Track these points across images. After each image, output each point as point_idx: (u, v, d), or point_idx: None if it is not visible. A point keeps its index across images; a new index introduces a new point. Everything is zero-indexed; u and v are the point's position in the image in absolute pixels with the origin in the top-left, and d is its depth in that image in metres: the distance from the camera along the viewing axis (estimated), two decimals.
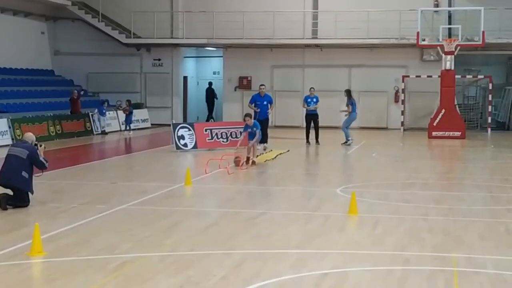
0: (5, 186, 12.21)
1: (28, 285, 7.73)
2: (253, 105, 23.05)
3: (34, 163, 12.34)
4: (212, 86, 38.41)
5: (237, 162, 17.88)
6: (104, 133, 29.76)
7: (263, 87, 23.54)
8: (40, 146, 12.64)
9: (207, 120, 35.71)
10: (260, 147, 21.53)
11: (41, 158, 12.43)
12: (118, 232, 10.34)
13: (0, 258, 8.73)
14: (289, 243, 9.78)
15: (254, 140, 18.53)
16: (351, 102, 25.23)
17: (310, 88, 25.68)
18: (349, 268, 8.39)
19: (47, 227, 10.34)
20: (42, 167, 12.51)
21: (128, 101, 31.81)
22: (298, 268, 8.36)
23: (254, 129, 18.84)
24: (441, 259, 8.90)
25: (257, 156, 19.12)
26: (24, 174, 12.12)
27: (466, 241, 9.95)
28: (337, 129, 31.88)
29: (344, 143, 24.69)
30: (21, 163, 12.15)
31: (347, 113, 25.10)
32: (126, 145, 27.01)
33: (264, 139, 22.39)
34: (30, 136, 12.77)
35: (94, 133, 29.72)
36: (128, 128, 30.77)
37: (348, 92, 25.60)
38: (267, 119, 23.29)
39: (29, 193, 12.26)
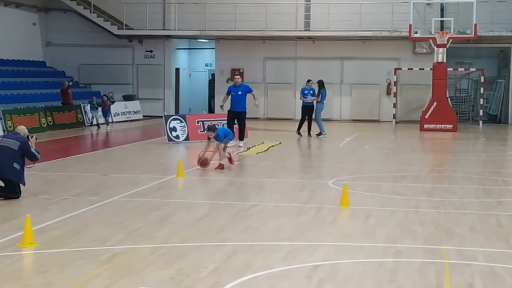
0: None
1: (19, 276, 7.71)
2: (227, 96, 21.45)
3: (25, 154, 12.31)
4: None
5: (202, 162, 16.14)
6: (98, 126, 29.03)
7: (237, 77, 22.06)
8: (32, 137, 12.60)
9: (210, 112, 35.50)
10: (233, 143, 19.54)
11: (32, 150, 12.39)
12: (109, 224, 10.32)
13: None
14: (281, 235, 9.78)
15: (221, 142, 16.33)
16: (324, 92, 25.32)
17: (309, 81, 25.67)
18: (340, 260, 8.40)
19: (38, 218, 10.32)
20: (33, 158, 12.48)
21: (111, 94, 31.16)
22: (289, 260, 8.36)
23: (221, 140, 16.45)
24: (432, 252, 8.92)
25: (229, 157, 16.65)
26: (16, 165, 12.07)
27: (457, 234, 9.98)
28: (330, 121, 31.92)
29: (319, 134, 24.74)
30: (12, 154, 12.10)
31: (313, 101, 25.01)
32: (118, 137, 26.96)
33: (240, 136, 21.18)
34: (22, 129, 12.73)
35: (86, 124, 29.64)
36: (106, 122, 29.10)
37: (322, 83, 25.59)
38: (244, 112, 21.30)
39: (21, 185, 12.23)
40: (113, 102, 30.48)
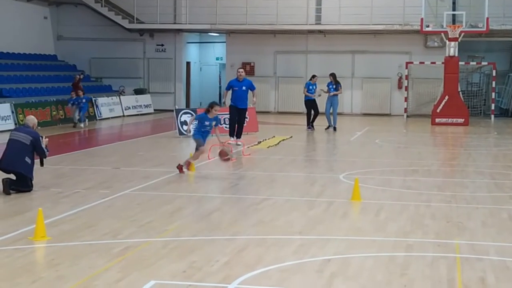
0: (8, 171, 12.22)
1: (31, 269, 7.75)
2: (228, 91, 20.53)
3: (36, 149, 12.35)
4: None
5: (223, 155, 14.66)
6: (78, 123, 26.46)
7: (241, 70, 20.63)
8: (44, 138, 12.65)
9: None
10: (232, 140, 19.29)
11: (43, 145, 12.44)
12: (121, 217, 10.35)
13: (3, 242, 8.75)
14: (292, 229, 9.78)
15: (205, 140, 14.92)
16: (340, 85, 25.62)
17: (314, 76, 25.73)
18: (351, 254, 8.39)
19: (50, 212, 10.36)
20: (42, 154, 12.50)
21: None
22: (300, 254, 8.36)
23: (213, 122, 14.97)
24: (443, 246, 8.90)
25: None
26: (27, 159, 12.12)
27: (469, 228, 9.95)
28: (341, 115, 31.87)
29: (329, 128, 25.07)
30: (24, 149, 12.15)
31: (323, 93, 25.29)
32: (129, 131, 27.00)
33: (238, 133, 20.21)
34: (31, 119, 12.77)
35: (97, 118, 29.70)
36: (80, 118, 26.48)
37: (334, 76, 25.72)
38: (245, 110, 20.45)
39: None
40: (86, 101, 27.09)
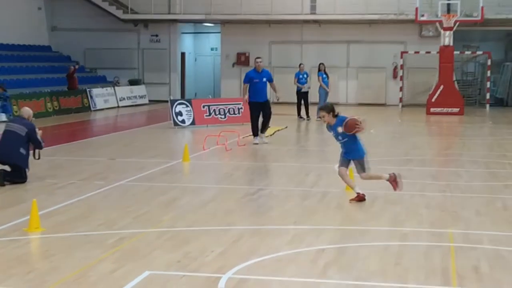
0: (3, 163, 12.21)
1: (26, 260, 7.75)
2: (247, 86, 18.09)
3: (32, 140, 12.34)
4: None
5: None
6: None
7: (259, 60, 18.44)
8: (38, 130, 12.64)
9: None
10: (257, 140, 17.94)
11: (38, 137, 12.44)
12: (116, 208, 10.35)
13: None
14: (287, 219, 9.80)
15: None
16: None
17: (300, 64, 25.93)
18: (346, 244, 8.41)
19: (44, 203, 10.36)
20: (38, 145, 12.50)
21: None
22: (295, 244, 8.38)
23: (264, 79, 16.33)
24: (438, 235, 8.93)
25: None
26: (22, 151, 12.11)
27: (463, 217, 9.97)
28: (336, 105, 31.81)
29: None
30: (19, 140, 12.14)
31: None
32: (124, 122, 26.98)
33: (263, 128, 18.33)
34: (27, 111, 12.76)
35: (92, 109, 29.66)
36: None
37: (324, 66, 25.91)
38: (268, 102, 18.33)
39: (26, 170, 12.27)
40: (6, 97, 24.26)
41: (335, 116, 11.04)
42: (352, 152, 11.04)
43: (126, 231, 8.93)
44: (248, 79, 18.05)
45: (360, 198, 10.82)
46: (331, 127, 11.15)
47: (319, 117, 13.08)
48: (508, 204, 10.87)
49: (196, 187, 12.41)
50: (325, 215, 10.10)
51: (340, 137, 11.06)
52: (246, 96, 18.02)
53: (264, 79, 18.12)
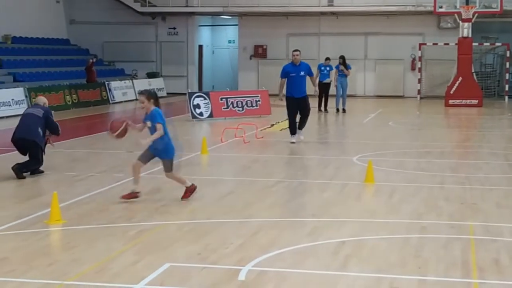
0: (21, 141, 12.18)
1: (47, 252, 7.81)
2: (284, 81, 16.81)
3: (48, 123, 12.38)
4: None
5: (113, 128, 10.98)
6: None
7: (296, 53, 17.03)
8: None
9: None
10: (294, 139, 16.76)
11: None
12: (135, 200, 10.38)
13: (19, 226, 8.83)
14: (306, 212, 9.81)
15: (152, 137, 10.22)
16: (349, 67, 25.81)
17: (326, 58, 25.86)
18: (365, 237, 8.41)
19: (65, 195, 10.42)
20: (55, 130, 12.52)
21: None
22: (314, 237, 8.39)
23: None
24: (457, 227, 8.91)
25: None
26: (40, 131, 12.18)
27: (483, 209, 9.94)
28: (354, 97, 31.83)
29: (338, 111, 25.14)
30: (37, 120, 12.24)
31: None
32: (142, 115, 27.01)
33: (301, 124, 16.98)
34: (41, 99, 12.89)
35: (110, 102, 29.77)
36: None
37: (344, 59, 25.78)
38: (305, 98, 16.85)
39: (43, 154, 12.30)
40: None
41: (156, 105, 10.19)
42: (162, 152, 10.26)
43: (146, 223, 8.98)
44: (284, 73, 16.78)
45: (192, 190, 10.36)
46: (146, 116, 10.23)
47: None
48: None
49: (215, 179, 12.45)
50: (344, 208, 10.10)
51: (152, 131, 10.18)
52: (282, 93, 16.98)
53: (302, 73, 16.72)
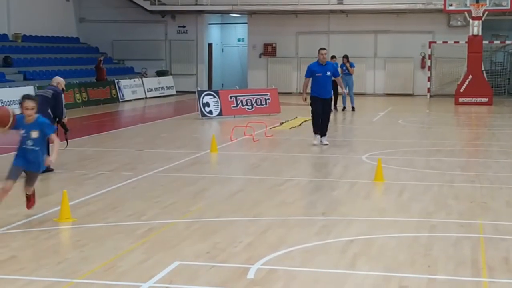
0: None
1: (57, 250, 7.83)
2: (308, 80, 16.22)
3: (56, 103, 12.33)
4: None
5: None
6: None
7: (324, 51, 16.18)
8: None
9: None
10: (316, 140, 16.10)
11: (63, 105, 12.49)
12: (144, 199, 10.42)
13: (29, 224, 8.85)
14: (315, 210, 9.80)
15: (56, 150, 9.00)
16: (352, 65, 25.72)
17: (333, 57, 25.71)
18: (375, 235, 8.39)
19: (74, 193, 10.45)
20: (60, 111, 12.48)
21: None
22: (323, 235, 8.38)
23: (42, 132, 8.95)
24: (467, 226, 8.88)
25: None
26: (50, 113, 12.17)
27: (493, 208, 9.91)
28: (363, 96, 31.80)
29: (344, 109, 25.08)
30: (46, 101, 12.23)
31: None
32: (152, 113, 27.11)
33: (323, 131, 16.12)
34: (56, 79, 12.90)
35: (120, 100, 29.83)
36: None
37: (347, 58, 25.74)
38: (331, 100, 16.41)
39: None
40: None
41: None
42: (37, 165, 8.90)
43: (155, 222, 8.99)
44: (310, 73, 16.05)
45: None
46: (29, 124, 8.80)
47: None
48: None
49: (224, 177, 12.45)
50: (353, 206, 10.08)
51: (30, 141, 8.77)
52: (305, 94, 16.32)
53: (328, 73, 15.94)
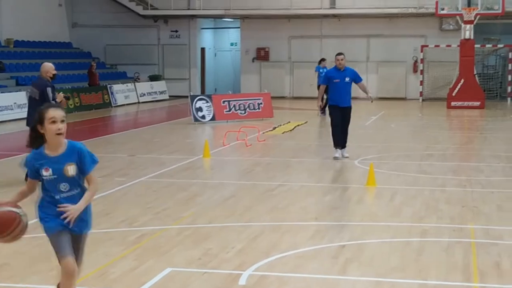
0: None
1: (48, 258, 7.80)
2: (324, 87, 15.27)
3: (44, 99, 11.86)
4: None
5: None
6: None
7: (341, 57, 14.83)
8: (59, 93, 12.51)
9: None
10: (337, 153, 14.79)
11: (50, 95, 11.93)
12: (137, 204, 10.41)
13: None
14: (307, 215, 9.81)
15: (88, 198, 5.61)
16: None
17: (323, 59, 25.76)
18: (367, 240, 8.41)
19: None
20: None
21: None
22: (316, 240, 8.39)
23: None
24: (459, 231, 8.90)
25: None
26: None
27: (484, 212, 9.93)
28: (356, 99, 31.79)
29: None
30: (37, 104, 12.14)
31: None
32: (144, 117, 27.09)
33: (343, 142, 14.91)
34: (42, 66, 12.35)
35: (112, 105, 29.81)
36: None
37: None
38: (350, 109, 14.91)
39: None
40: None
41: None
42: (86, 223, 5.93)
43: (147, 228, 8.98)
44: (326, 79, 14.96)
45: None
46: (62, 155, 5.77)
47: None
48: None
49: (217, 183, 12.45)
50: (345, 211, 10.10)
51: (64, 185, 5.76)
52: (320, 102, 15.61)
53: (347, 79, 14.70)
